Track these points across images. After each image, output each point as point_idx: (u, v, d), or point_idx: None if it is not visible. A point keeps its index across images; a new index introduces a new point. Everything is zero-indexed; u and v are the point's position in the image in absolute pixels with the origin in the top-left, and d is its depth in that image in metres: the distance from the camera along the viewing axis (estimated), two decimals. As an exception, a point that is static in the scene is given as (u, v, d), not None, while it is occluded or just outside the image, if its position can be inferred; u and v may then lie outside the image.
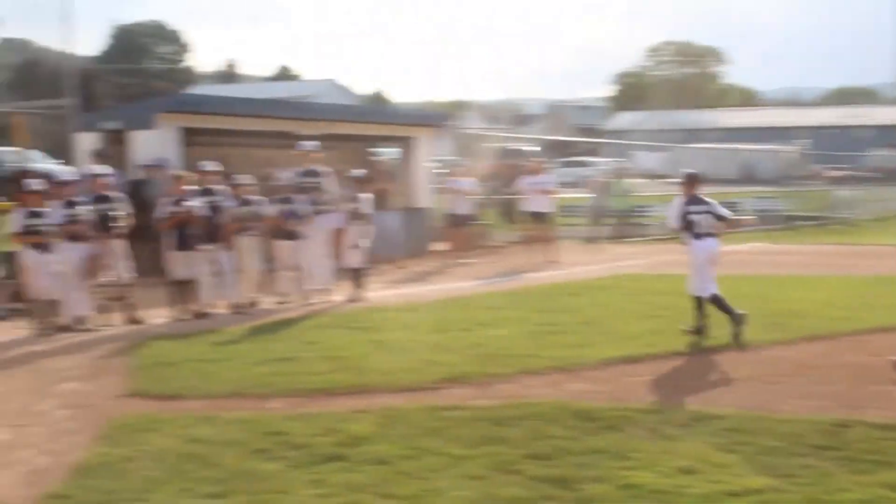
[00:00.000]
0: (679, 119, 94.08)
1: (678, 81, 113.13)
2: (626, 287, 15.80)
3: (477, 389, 8.95)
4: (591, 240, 26.27)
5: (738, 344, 10.86)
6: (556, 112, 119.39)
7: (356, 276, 14.81)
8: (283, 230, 14.05)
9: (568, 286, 15.93)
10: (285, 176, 14.37)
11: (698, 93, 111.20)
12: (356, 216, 14.72)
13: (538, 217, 21.02)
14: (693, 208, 11.46)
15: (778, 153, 47.84)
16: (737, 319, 11.06)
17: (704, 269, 11.38)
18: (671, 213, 11.87)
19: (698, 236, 11.39)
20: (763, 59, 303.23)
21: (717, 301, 11.26)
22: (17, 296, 13.66)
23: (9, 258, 16.28)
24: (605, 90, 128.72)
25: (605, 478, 6.38)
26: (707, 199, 11.57)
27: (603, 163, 49.99)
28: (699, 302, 11.31)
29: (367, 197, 14.98)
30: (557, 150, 74.22)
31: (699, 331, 11.20)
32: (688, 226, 11.43)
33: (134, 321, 12.52)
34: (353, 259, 14.77)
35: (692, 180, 11.77)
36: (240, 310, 13.44)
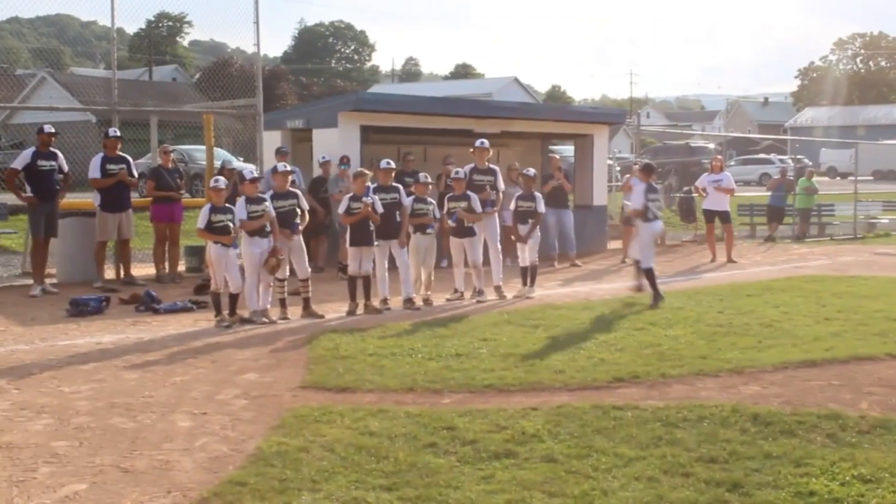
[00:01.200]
0: (867, 115, 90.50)
1: (868, 74, 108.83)
2: (806, 288, 15.33)
3: (649, 390, 8.82)
4: (771, 239, 25.60)
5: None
6: (737, 108, 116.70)
7: (527, 273, 14.80)
8: (457, 227, 14.14)
9: (745, 287, 15.56)
10: (460, 173, 14.44)
11: (890, 86, 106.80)
12: (528, 214, 14.70)
13: (717, 216, 20.60)
14: (651, 196, 13.91)
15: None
16: (656, 299, 13.46)
17: (648, 246, 13.86)
18: (636, 198, 14.14)
19: (648, 219, 13.78)
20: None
21: (649, 274, 13.67)
22: (202, 288, 14.19)
23: (195, 252, 16.99)
24: (789, 85, 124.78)
25: (781, 484, 6.18)
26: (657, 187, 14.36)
27: (785, 160, 48.70)
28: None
29: (538, 195, 14.95)
30: (738, 147, 72.66)
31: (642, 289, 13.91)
32: (645, 210, 13.74)
33: (310, 315, 12.80)
34: (525, 256, 14.76)
35: (650, 170, 14.38)
36: (413, 306, 13.59)
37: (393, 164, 13.98)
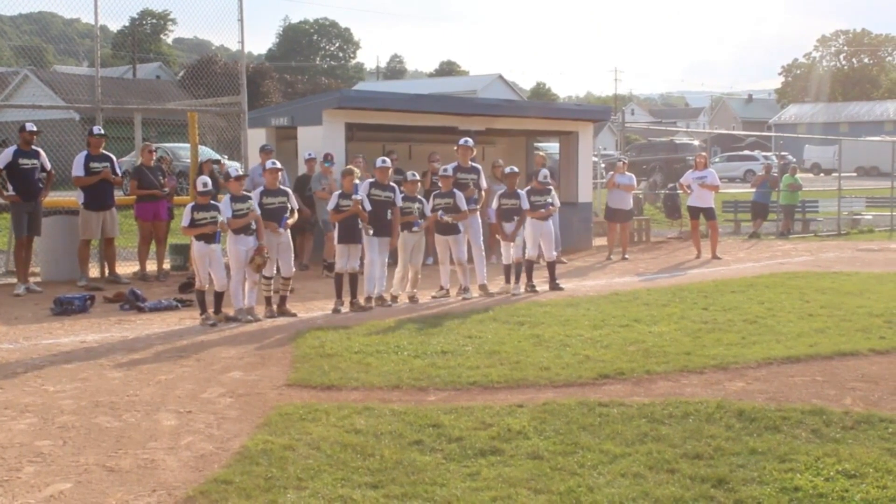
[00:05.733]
0: (850, 111, 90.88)
1: (851, 71, 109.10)
2: (790, 285, 15.37)
3: (634, 386, 8.84)
4: (755, 236, 25.66)
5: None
6: (722, 105, 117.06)
7: (510, 270, 14.80)
8: (443, 225, 14.13)
9: (730, 283, 15.60)
10: (448, 170, 14.46)
11: (873, 83, 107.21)
12: (513, 212, 14.70)
13: (701, 212, 20.63)
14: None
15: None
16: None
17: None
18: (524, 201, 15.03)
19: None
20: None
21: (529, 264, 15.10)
22: (187, 287, 14.16)
23: (180, 250, 16.94)
24: (773, 82, 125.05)
25: (766, 479, 6.20)
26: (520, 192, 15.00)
27: (769, 157, 48.85)
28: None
29: (522, 193, 14.94)
30: (722, 143, 72.85)
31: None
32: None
33: (284, 314, 12.73)
34: (510, 254, 14.76)
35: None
36: (399, 303, 13.56)
37: (389, 163, 13.96)
